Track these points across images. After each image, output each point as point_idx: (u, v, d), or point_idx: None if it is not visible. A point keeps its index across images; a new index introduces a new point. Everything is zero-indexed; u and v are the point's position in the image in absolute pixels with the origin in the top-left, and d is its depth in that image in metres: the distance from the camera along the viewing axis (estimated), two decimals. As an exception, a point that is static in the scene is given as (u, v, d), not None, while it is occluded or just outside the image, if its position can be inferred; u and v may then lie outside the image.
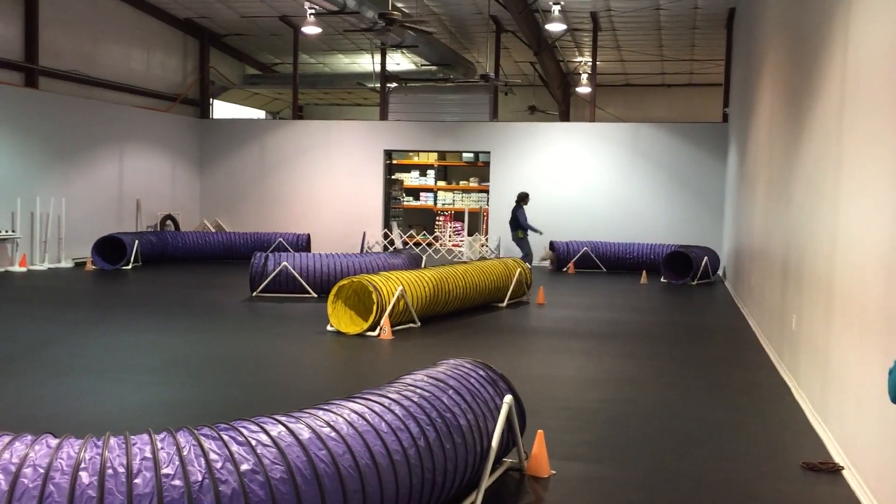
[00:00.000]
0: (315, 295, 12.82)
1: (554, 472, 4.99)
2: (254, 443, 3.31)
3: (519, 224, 17.42)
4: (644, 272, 17.04)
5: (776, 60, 9.97)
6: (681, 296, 14.49)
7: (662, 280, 16.67)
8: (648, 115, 26.19)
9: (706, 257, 16.54)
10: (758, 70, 12.27)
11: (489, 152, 20.90)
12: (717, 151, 19.46)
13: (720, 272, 18.07)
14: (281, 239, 18.81)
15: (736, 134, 16.50)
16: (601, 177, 20.09)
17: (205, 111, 22.66)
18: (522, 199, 17.63)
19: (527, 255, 17.48)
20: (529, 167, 20.39)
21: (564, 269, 18.34)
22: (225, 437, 3.31)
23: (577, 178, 20.11)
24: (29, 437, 3.21)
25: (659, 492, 4.73)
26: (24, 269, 15.86)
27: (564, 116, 26.55)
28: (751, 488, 4.84)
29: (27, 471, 2.99)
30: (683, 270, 16.70)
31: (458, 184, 26.21)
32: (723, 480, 4.96)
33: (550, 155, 20.36)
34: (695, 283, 16.29)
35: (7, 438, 3.18)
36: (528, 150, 20.49)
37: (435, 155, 25.93)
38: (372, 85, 24.16)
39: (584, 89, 24.64)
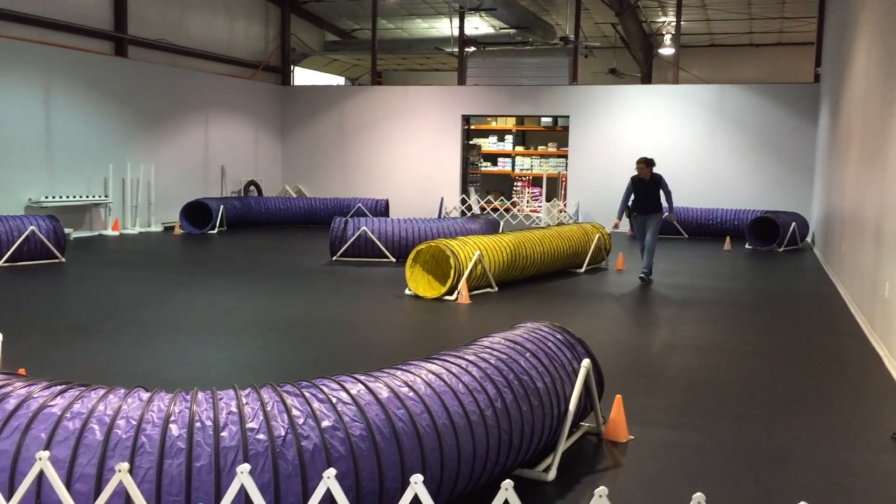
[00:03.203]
0: (393, 259, 12.95)
1: (632, 437, 4.95)
2: (334, 400, 3.38)
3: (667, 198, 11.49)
4: (728, 238, 16.61)
5: (873, 17, 9.48)
6: (766, 262, 14.08)
7: (747, 246, 16.23)
8: (734, 76, 25.33)
9: (794, 223, 16.00)
10: (853, 27, 11.70)
11: (568, 117, 20.60)
12: (808, 113, 18.71)
13: (808, 238, 17.47)
14: (360, 204, 19.03)
15: (828, 95, 15.82)
16: (684, 141, 19.59)
17: (286, 78, 22.97)
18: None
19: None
20: (609, 131, 20.02)
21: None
22: (307, 394, 3.39)
23: (659, 142, 19.65)
24: (122, 391, 3.35)
25: (740, 459, 4.65)
26: (116, 233, 16.48)
27: (646, 79, 25.90)
28: (838, 459, 4.70)
29: (120, 422, 3.13)
30: (769, 236, 16.21)
31: (536, 149, 25.96)
32: (808, 450, 4.83)
33: (631, 119, 19.94)
34: (781, 249, 15.80)
35: (101, 391, 3.33)
36: (608, 114, 20.12)
37: (513, 120, 25.71)
38: (450, 50, 24.03)
39: (667, 50, 23.98)
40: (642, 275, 11.37)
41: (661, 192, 11.30)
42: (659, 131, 19.70)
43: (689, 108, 19.56)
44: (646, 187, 11.24)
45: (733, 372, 6.63)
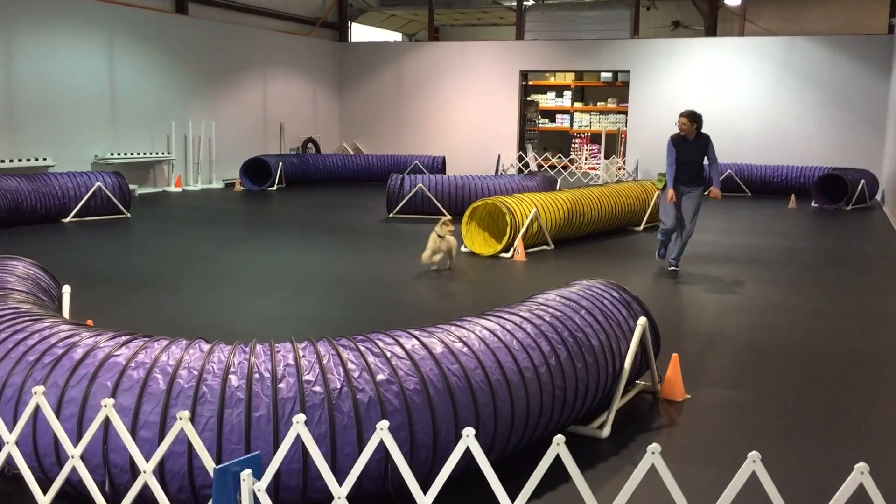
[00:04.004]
0: (450, 217, 12.94)
1: (689, 396, 4.90)
2: (389, 355, 3.42)
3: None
4: (793, 196, 16.16)
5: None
6: (833, 221, 13.69)
7: (813, 205, 15.79)
8: (804, 28, 24.41)
9: (863, 180, 15.48)
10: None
11: (629, 71, 20.17)
12: (881, 66, 17.96)
13: (878, 196, 16.91)
14: (417, 161, 19.02)
15: (903, 46, 15.15)
16: (749, 95, 19.02)
17: (343, 34, 22.93)
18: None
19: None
20: (672, 86, 19.55)
21: (705, 192, 17.64)
22: (362, 349, 3.43)
23: (723, 97, 19.12)
24: (184, 342, 3.44)
25: (797, 420, 4.57)
26: (179, 190, 16.82)
27: (711, 31, 25.10)
28: (901, 422, 4.59)
29: (183, 372, 3.22)
30: (837, 195, 15.73)
31: (595, 105, 25.52)
32: (868, 411, 4.73)
33: (695, 73, 19.43)
34: (849, 207, 15.33)
35: (164, 342, 3.43)
36: (670, 69, 19.63)
37: (572, 75, 25.27)
38: (508, 3, 23.64)
39: (733, 1, 23.20)
40: (672, 263, 9.00)
41: (707, 159, 8.81)
42: (723, 85, 19.16)
43: (756, 62, 18.96)
44: (688, 150, 8.72)
45: (794, 332, 6.49)
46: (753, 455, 2.17)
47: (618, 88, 24.43)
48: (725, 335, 6.40)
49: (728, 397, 4.95)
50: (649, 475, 2.53)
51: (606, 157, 20.70)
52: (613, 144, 23.28)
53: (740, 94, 19.07)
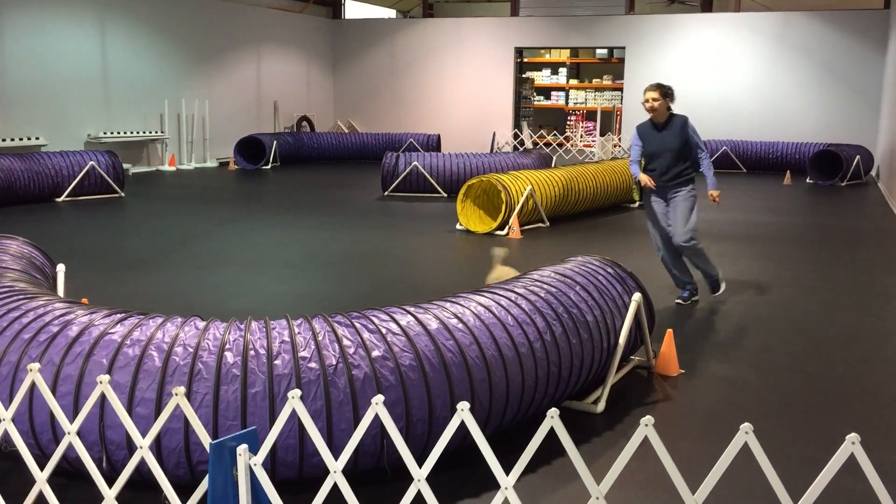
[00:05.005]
0: (445, 194, 12.93)
1: (683, 371, 4.93)
2: (384, 331, 3.42)
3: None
4: (788, 172, 16.18)
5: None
6: (828, 197, 13.70)
7: (808, 181, 15.80)
8: (800, 3, 24.26)
9: (857, 156, 15.48)
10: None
11: (624, 48, 20.09)
12: (876, 41, 17.91)
13: (873, 172, 16.92)
14: (412, 139, 18.96)
15: (899, 21, 15.10)
16: (744, 72, 18.97)
17: (337, 11, 22.77)
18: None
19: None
20: (667, 63, 19.49)
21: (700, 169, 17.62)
22: (357, 325, 3.44)
23: (718, 73, 19.07)
24: (179, 319, 3.44)
25: (792, 395, 4.60)
26: (173, 169, 16.75)
27: (706, 7, 24.97)
28: (893, 394, 4.62)
29: (178, 349, 3.22)
30: (832, 171, 15.74)
31: (590, 82, 25.42)
32: (863, 386, 4.76)
33: (690, 49, 19.36)
34: (844, 183, 15.34)
35: (159, 320, 3.43)
36: (665, 45, 19.55)
37: (567, 52, 25.14)
38: (503, -21, 23.47)
39: (728, -23, 23.06)
40: (686, 296, 6.66)
41: (691, 148, 6.43)
42: (719, 62, 19.10)
43: (751, 37, 18.89)
44: (663, 138, 6.42)
45: (789, 308, 6.52)
46: (746, 427, 2.19)
47: (614, 65, 24.32)
48: (721, 311, 6.42)
49: (722, 372, 4.98)
50: (643, 449, 2.55)
51: (602, 135, 20.66)
52: (609, 122, 23.23)
53: (736, 70, 19.01)
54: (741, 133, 18.69)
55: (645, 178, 6.41)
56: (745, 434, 2.18)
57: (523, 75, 22.79)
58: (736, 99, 18.98)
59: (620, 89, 21.67)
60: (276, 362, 3.20)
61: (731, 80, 19.00)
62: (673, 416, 4.33)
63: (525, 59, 23.34)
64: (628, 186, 11.92)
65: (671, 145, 6.39)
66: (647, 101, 6.38)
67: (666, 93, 6.38)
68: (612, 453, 3.76)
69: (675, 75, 19.27)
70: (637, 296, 4.56)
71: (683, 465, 3.35)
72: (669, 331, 4.96)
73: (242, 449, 2.43)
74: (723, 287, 6.72)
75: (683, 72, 19.28)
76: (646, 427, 2.25)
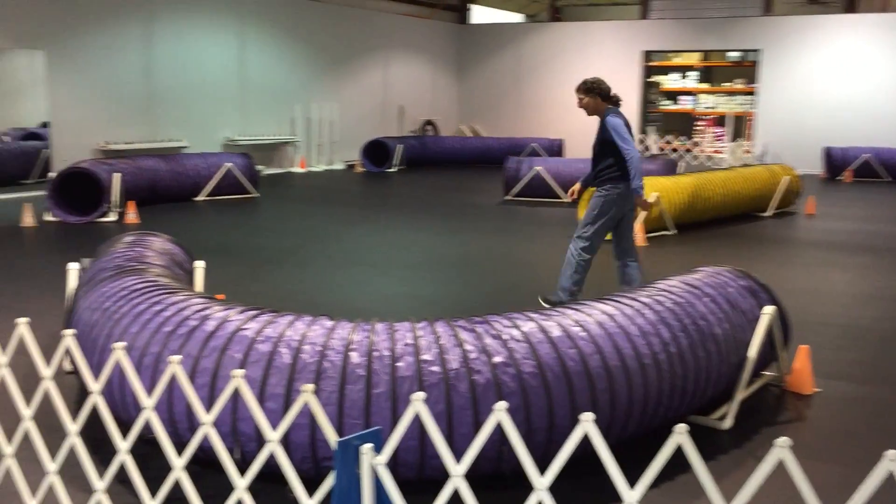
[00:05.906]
0: (567, 199, 12.79)
1: (818, 389, 4.69)
2: (506, 337, 3.42)
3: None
4: (937, 182, 15.15)
5: None
6: (982, 209, 12.74)
7: (960, 191, 14.74)
8: (955, 1, 22.70)
9: None
10: None
11: (759, 50, 19.32)
12: None
13: None
14: (535, 144, 18.88)
15: None
16: (890, 75, 17.88)
17: (463, 16, 22.97)
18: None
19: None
20: (806, 66, 18.62)
21: (838, 177, 16.76)
22: (479, 330, 3.45)
23: (862, 77, 18.05)
24: (308, 318, 3.55)
25: (940, 421, 4.30)
26: (303, 171, 17.34)
27: (850, 7, 23.73)
28: None
29: (307, 348, 3.33)
30: None
31: (721, 86, 24.58)
32: None
33: (831, 52, 18.42)
34: None
35: (290, 318, 3.55)
36: (805, 47, 18.68)
37: (696, 56, 24.41)
38: (632, -18, 23.04)
39: (875, -25, 21.81)
40: (553, 298, 6.37)
41: (614, 148, 5.97)
42: (862, 65, 18.09)
43: (899, 39, 17.80)
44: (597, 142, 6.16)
45: (937, 327, 6.10)
46: (892, 454, 2.05)
47: (746, 68, 23.41)
48: (859, 327, 6.07)
49: (860, 392, 4.71)
50: (773, 470, 2.43)
51: (732, 140, 19.95)
52: (740, 127, 22.38)
53: (881, 73, 17.96)
54: (885, 140, 17.61)
55: (572, 189, 6.53)
56: (891, 462, 2.05)
57: (649, 79, 22.31)
58: (881, 103, 17.92)
59: (752, 93, 20.87)
60: (399, 364, 3.25)
61: (875, 83, 17.96)
62: (805, 436, 4.12)
63: (652, 63, 22.84)
64: (761, 195, 11.47)
65: (595, 142, 6.18)
66: (580, 101, 6.14)
67: (589, 88, 6.04)
68: (739, 473, 3.61)
69: (814, 79, 18.41)
70: (769, 308, 4.37)
71: (817, 491, 3.18)
72: (804, 347, 4.73)
73: (367, 448, 2.48)
74: (556, 302, 5.93)
75: (824, 75, 18.38)
76: (781, 449, 2.15)
